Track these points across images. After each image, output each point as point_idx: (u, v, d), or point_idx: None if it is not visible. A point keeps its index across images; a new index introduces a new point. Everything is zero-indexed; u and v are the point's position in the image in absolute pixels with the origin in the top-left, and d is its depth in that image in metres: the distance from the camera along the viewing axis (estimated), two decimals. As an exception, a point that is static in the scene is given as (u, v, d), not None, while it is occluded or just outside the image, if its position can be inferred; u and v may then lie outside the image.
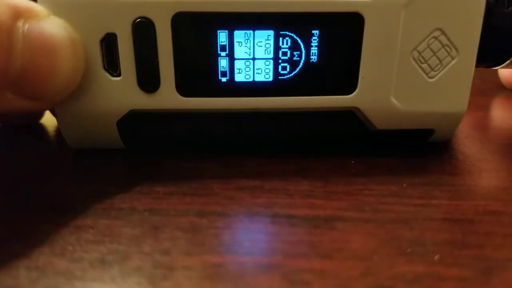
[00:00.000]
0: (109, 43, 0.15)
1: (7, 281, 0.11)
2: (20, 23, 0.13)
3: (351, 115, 0.17)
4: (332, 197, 0.15)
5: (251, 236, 0.13)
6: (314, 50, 0.16)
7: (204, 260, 0.12)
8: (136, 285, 0.11)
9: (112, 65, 0.15)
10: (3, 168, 0.17)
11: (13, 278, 0.11)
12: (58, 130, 0.20)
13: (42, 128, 0.21)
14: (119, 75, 0.15)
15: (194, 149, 0.18)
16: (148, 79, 0.15)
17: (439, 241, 0.12)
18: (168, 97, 0.16)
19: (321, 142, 0.19)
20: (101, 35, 0.15)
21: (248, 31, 0.15)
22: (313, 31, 0.16)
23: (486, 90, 0.28)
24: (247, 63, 0.16)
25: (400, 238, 0.13)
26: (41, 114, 0.21)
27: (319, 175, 0.16)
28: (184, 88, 0.16)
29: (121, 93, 0.16)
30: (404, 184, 0.16)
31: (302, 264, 0.11)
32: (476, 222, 0.13)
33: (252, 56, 0.16)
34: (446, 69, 0.17)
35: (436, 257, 0.12)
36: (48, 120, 0.21)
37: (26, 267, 0.11)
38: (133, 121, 0.16)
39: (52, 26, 0.14)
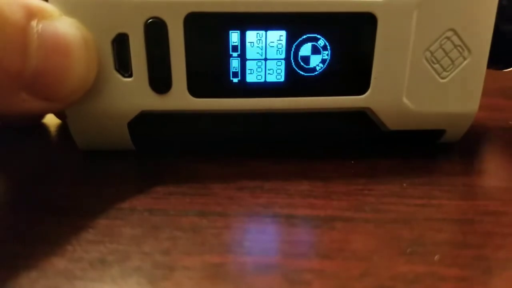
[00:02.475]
0: (120, 43, 0.15)
1: (7, 281, 0.11)
2: (34, 23, 0.13)
3: (363, 116, 0.17)
4: (332, 197, 0.15)
5: (251, 236, 0.13)
6: (326, 50, 0.16)
7: (204, 260, 0.12)
8: (136, 285, 0.11)
9: (123, 66, 0.15)
10: (3, 169, 0.17)
11: (13, 278, 0.11)
12: (59, 130, 0.20)
13: (44, 128, 0.21)
14: (130, 75, 0.15)
15: (194, 149, 0.18)
16: (160, 80, 0.15)
17: (439, 241, 0.12)
18: (179, 98, 0.16)
19: (333, 142, 0.19)
20: (113, 35, 0.15)
21: (260, 32, 0.15)
22: (325, 32, 0.16)
23: (486, 90, 0.28)
24: (259, 64, 0.16)
25: (400, 238, 0.13)
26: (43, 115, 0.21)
27: (319, 175, 0.16)
28: (195, 89, 0.16)
29: (132, 93, 0.15)
30: (404, 184, 0.16)
31: (302, 264, 0.11)
32: (476, 222, 0.13)
33: (264, 56, 0.16)
34: (458, 69, 0.17)
35: (436, 257, 0.12)
36: (50, 120, 0.21)
37: (26, 267, 0.11)
38: (144, 122, 0.16)
39: (66, 25, 0.14)
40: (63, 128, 0.20)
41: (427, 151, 0.19)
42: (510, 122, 0.23)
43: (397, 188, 0.15)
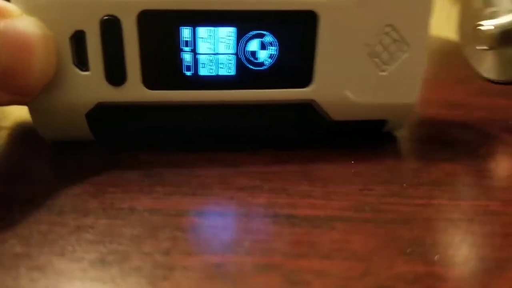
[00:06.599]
0: (78, 39, 0.16)
1: (7, 281, 0.11)
2: None
3: (310, 107, 0.18)
4: (332, 197, 0.15)
5: (251, 236, 0.13)
6: (273, 46, 0.17)
7: (204, 260, 0.12)
8: (136, 285, 0.11)
9: (81, 60, 0.16)
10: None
11: (13, 278, 0.11)
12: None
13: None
14: (87, 69, 0.16)
15: (194, 149, 0.18)
16: (115, 73, 0.16)
17: (439, 241, 0.12)
18: (134, 90, 0.16)
19: (283, 133, 0.20)
20: (71, 32, 0.15)
21: (210, 28, 0.16)
22: (271, 28, 0.17)
23: (486, 90, 0.28)
24: (211, 58, 0.17)
25: (400, 238, 0.13)
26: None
27: (319, 175, 0.16)
28: (150, 82, 0.16)
29: (89, 86, 0.16)
30: (404, 184, 0.16)
31: (302, 264, 0.11)
32: (476, 222, 0.13)
33: (215, 51, 0.16)
34: (397, 63, 0.18)
35: (436, 257, 0.12)
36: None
37: (26, 267, 0.11)
38: (101, 113, 0.17)
39: (26, 24, 0.14)
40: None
41: (426, 151, 0.19)
42: (510, 122, 0.23)
43: (397, 188, 0.15)
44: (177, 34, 0.16)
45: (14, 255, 0.11)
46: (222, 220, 0.13)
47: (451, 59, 0.45)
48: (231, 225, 0.13)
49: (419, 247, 0.12)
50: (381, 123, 0.19)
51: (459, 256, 0.12)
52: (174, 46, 0.16)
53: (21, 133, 0.20)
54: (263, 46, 0.17)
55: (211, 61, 0.17)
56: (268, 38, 0.17)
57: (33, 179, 0.16)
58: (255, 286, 0.11)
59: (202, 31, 0.16)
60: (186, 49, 0.16)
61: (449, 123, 0.23)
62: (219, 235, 0.13)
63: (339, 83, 0.17)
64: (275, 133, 0.20)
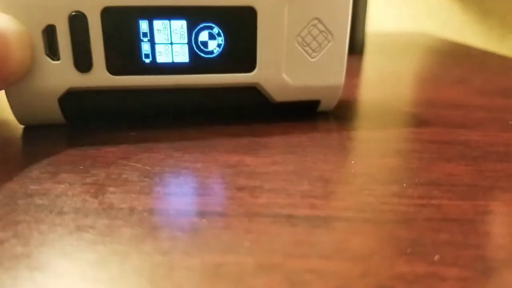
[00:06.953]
0: (49, 33, 0.18)
1: (7, 281, 0.11)
2: None
3: (256, 90, 0.21)
4: (332, 197, 0.15)
5: (251, 236, 0.13)
6: (220, 36, 0.19)
7: (204, 260, 0.12)
8: (136, 285, 0.11)
9: (52, 51, 0.18)
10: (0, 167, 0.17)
11: (13, 278, 0.11)
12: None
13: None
14: (58, 59, 0.18)
15: (194, 149, 0.18)
16: (82, 61, 0.18)
17: (439, 241, 0.12)
18: (100, 76, 0.19)
19: (232, 113, 0.22)
20: (43, 26, 0.18)
21: (165, 21, 0.19)
22: (218, 21, 0.19)
23: (485, 90, 0.28)
24: (166, 47, 0.19)
25: (400, 238, 0.13)
26: None
27: (319, 175, 0.16)
28: (113, 68, 0.19)
29: (60, 74, 0.18)
30: (404, 184, 0.16)
31: (302, 264, 0.11)
32: (476, 222, 0.13)
33: (170, 41, 0.19)
34: (324, 50, 0.21)
35: (436, 257, 0.12)
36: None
37: (26, 267, 0.11)
38: (72, 98, 0.19)
39: (3, 21, 0.16)
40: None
41: (426, 151, 0.19)
42: (510, 122, 0.23)
43: (397, 188, 0.15)
44: (136, 26, 0.19)
45: (14, 255, 0.11)
46: (222, 220, 0.13)
47: (451, 59, 0.45)
48: (231, 225, 0.13)
49: (419, 247, 0.12)
50: (315, 103, 0.22)
51: (459, 256, 0.12)
52: (134, 37, 0.19)
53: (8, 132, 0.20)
54: (212, 37, 0.19)
55: (166, 49, 0.19)
56: (216, 29, 0.19)
57: (32, 179, 0.16)
58: (255, 286, 0.11)
59: (158, 23, 0.19)
60: (145, 39, 0.19)
61: (449, 123, 0.23)
62: (219, 235, 0.13)
63: (277, 68, 0.20)
64: (226, 114, 0.22)
